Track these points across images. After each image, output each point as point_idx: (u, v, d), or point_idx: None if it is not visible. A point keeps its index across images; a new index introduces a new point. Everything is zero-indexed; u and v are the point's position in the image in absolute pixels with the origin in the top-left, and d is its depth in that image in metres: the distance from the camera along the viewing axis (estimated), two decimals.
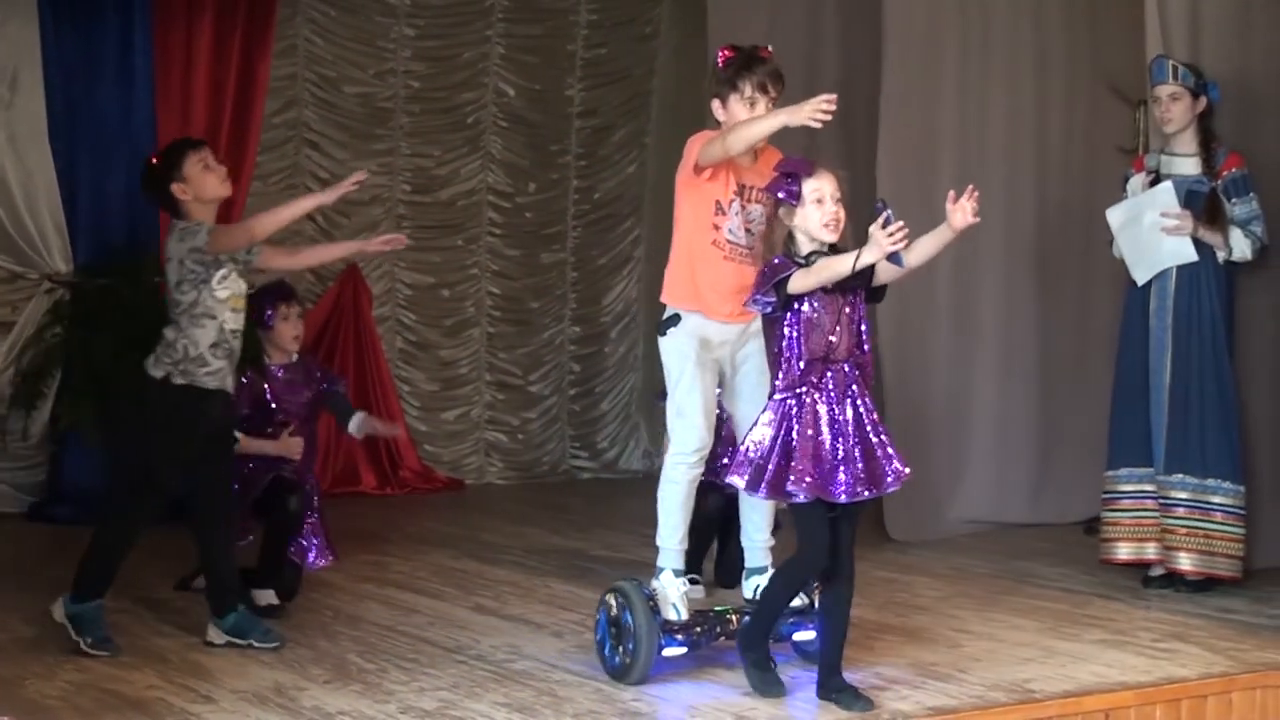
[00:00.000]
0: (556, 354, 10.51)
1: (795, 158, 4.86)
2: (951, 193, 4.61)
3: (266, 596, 6.08)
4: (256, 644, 5.53)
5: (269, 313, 6.43)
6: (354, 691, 5.00)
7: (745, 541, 5.42)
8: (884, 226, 4.45)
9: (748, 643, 4.91)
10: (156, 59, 8.75)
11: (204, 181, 5.54)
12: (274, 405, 6.41)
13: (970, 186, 4.62)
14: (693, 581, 6.27)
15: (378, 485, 9.59)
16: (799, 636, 5.21)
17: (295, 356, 6.50)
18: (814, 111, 4.83)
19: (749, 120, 5.11)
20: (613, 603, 5.06)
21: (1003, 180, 7.86)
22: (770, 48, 5.32)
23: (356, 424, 6.48)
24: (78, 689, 5.04)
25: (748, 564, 5.42)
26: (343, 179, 5.71)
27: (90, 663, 5.37)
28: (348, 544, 6.57)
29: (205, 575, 5.75)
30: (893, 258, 4.53)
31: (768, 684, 4.82)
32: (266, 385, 6.42)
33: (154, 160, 5.67)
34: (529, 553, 7.55)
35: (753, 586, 5.35)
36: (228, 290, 5.51)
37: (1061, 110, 8.18)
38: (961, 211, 4.59)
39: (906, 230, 4.47)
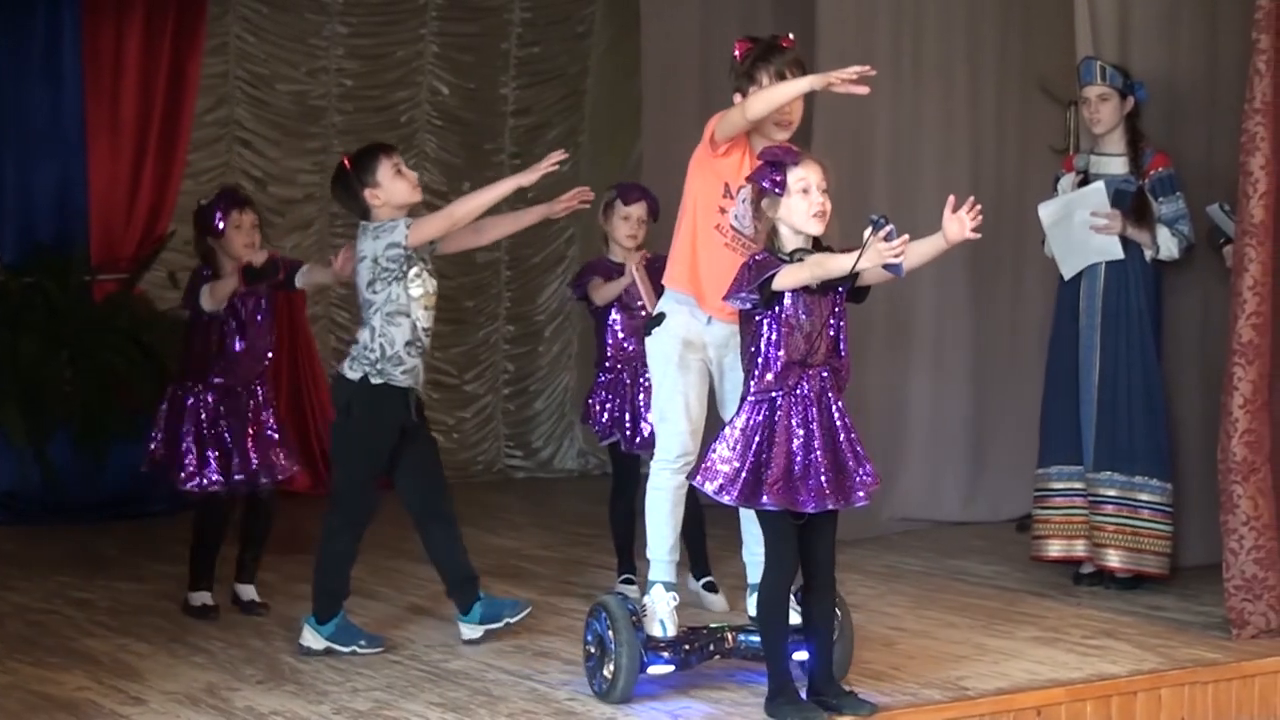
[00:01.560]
0: (491, 353, 10.48)
1: (780, 145, 4.72)
2: (952, 198, 4.50)
3: (248, 592, 6.12)
4: (510, 619, 5.53)
5: (219, 218, 6.09)
6: (288, 692, 4.98)
7: (747, 556, 5.19)
8: (885, 240, 4.33)
9: (770, 678, 4.62)
10: (86, 56, 8.67)
11: (396, 187, 5.50)
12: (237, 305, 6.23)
13: (971, 199, 4.51)
14: (710, 588, 6.17)
15: (311, 486, 9.50)
16: (795, 657, 4.79)
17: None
18: (843, 75, 4.68)
19: (772, 86, 4.91)
20: (596, 619, 4.89)
21: (935, 179, 7.87)
22: (791, 35, 5.16)
23: (303, 279, 6.24)
24: (4, 691, 4.99)
25: (750, 579, 5.19)
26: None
27: (17, 664, 5.32)
28: (279, 544, 6.53)
29: (441, 572, 5.65)
30: (892, 266, 4.42)
31: (804, 712, 4.53)
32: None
33: (346, 163, 5.56)
34: None
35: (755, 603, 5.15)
36: (421, 288, 5.47)
37: (994, 110, 8.20)
38: (959, 224, 4.48)
39: (907, 239, 4.38)
